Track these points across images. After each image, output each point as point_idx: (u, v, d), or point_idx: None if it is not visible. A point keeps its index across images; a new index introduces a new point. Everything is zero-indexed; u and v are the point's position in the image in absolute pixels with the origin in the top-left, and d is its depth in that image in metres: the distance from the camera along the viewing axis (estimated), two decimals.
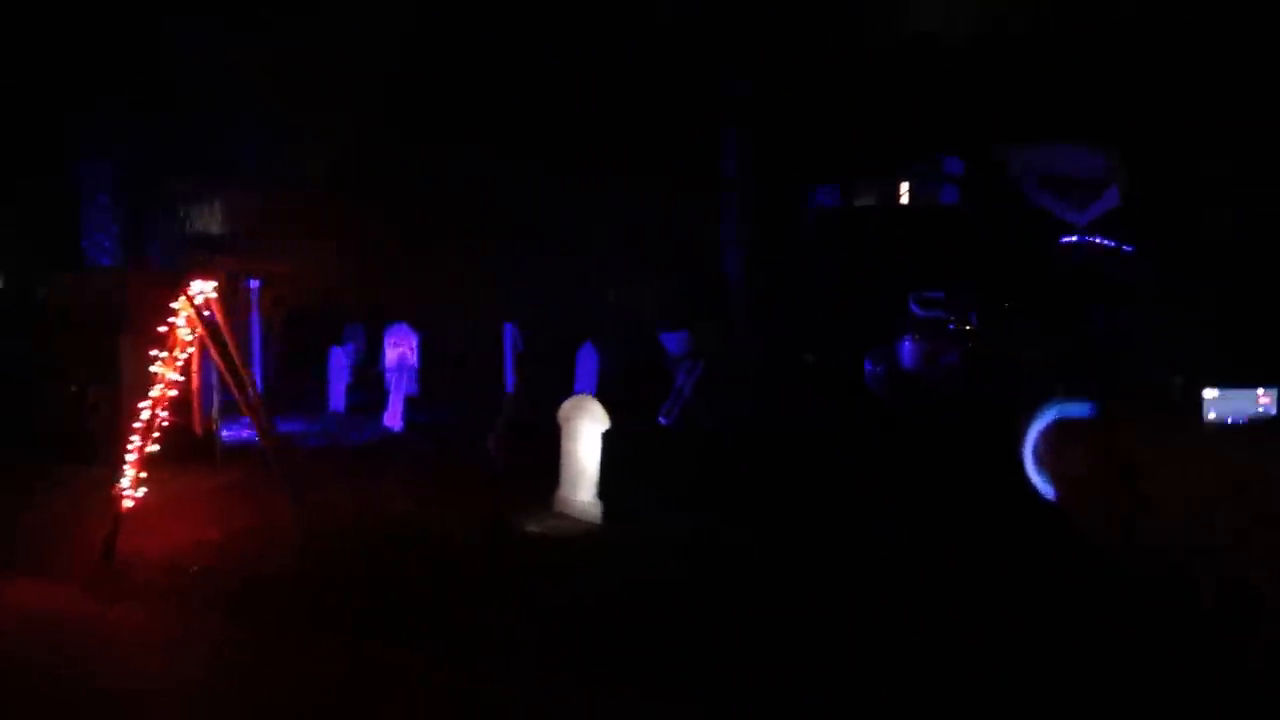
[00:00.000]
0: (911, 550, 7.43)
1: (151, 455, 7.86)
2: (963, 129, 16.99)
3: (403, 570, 7.02)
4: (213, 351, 7.55)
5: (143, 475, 7.61)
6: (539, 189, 11.69)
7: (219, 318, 8.43)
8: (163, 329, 7.49)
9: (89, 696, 5.15)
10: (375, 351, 16.11)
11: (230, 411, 13.77)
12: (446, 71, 12.06)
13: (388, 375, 14.83)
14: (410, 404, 13.97)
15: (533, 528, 7.93)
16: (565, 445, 8.38)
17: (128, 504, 7.26)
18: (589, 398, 8.31)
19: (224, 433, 10.60)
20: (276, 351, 16.89)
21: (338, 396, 14.55)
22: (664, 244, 13.02)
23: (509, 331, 14.01)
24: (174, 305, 7.37)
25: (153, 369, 7.38)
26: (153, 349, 7.61)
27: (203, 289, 7.63)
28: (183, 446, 9.73)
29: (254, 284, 16.05)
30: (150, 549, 7.35)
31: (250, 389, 8.21)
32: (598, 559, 7.31)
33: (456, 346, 14.52)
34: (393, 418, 13.07)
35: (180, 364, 7.94)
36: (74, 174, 15.31)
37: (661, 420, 12.85)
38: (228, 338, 8.62)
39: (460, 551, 7.43)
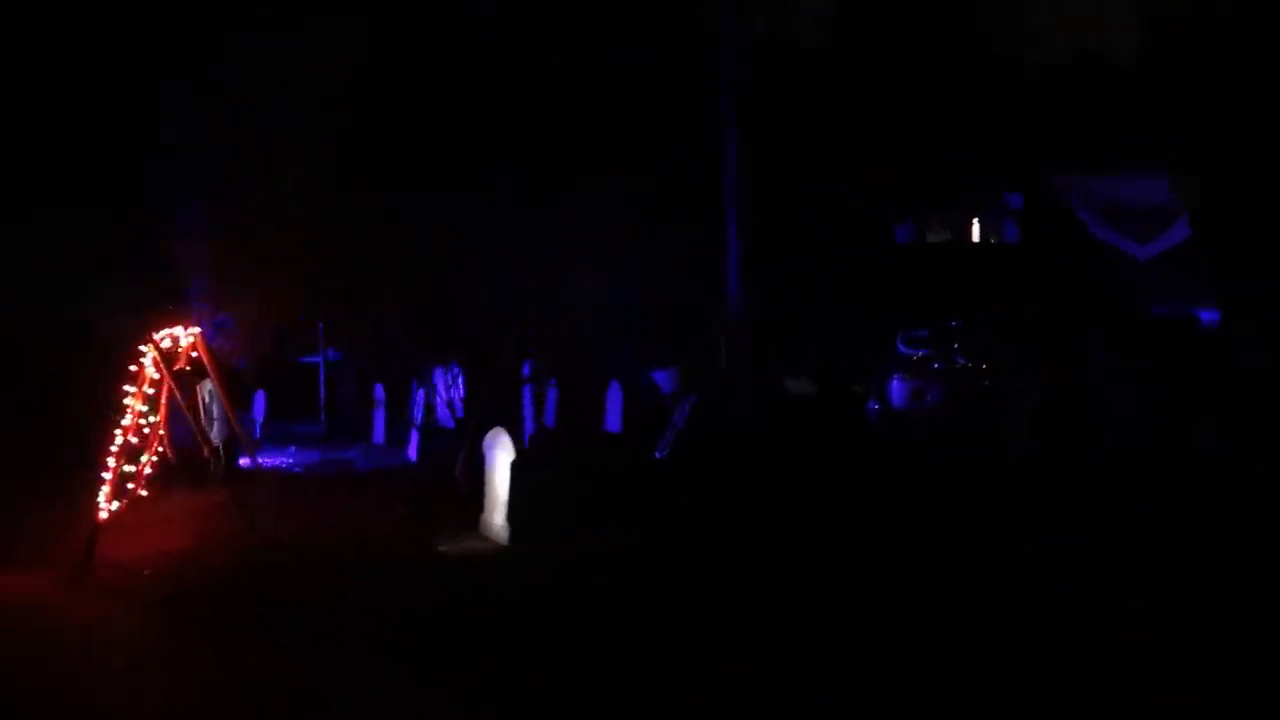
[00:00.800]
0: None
1: (156, 474, 9.40)
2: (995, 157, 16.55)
3: (315, 585, 7.95)
4: (176, 392, 8.84)
5: (142, 492, 9.12)
6: (540, 214, 12.00)
7: (205, 357, 9.81)
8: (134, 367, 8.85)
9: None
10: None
11: (276, 441, 15.54)
12: (453, 87, 12.30)
13: (440, 412, 16.10)
14: (442, 435, 15.17)
15: (444, 547, 8.76)
16: (487, 474, 9.19)
17: (103, 515, 8.61)
18: (503, 432, 9.10)
19: (242, 460, 11.97)
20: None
21: (379, 429, 15.93)
22: (667, 263, 13.04)
23: (527, 369, 14.93)
24: (141, 348, 8.70)
25: (125, 401, 8.73)
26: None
27: (172, 333, 8.97)
28: (194, 469, 11.21)
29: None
30: (122, 554, 8.66)
31: (222, 423, 9.51)
32: (477, 576, 8.05)
33: (483, 380, 15.52)
34: (411, 448, 14.27)
35: (170, 398, 9.37)
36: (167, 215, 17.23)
37: (657, 455, 13.39)
38: (213, 375, 10.00)
39: (368, 568, 8.32)
